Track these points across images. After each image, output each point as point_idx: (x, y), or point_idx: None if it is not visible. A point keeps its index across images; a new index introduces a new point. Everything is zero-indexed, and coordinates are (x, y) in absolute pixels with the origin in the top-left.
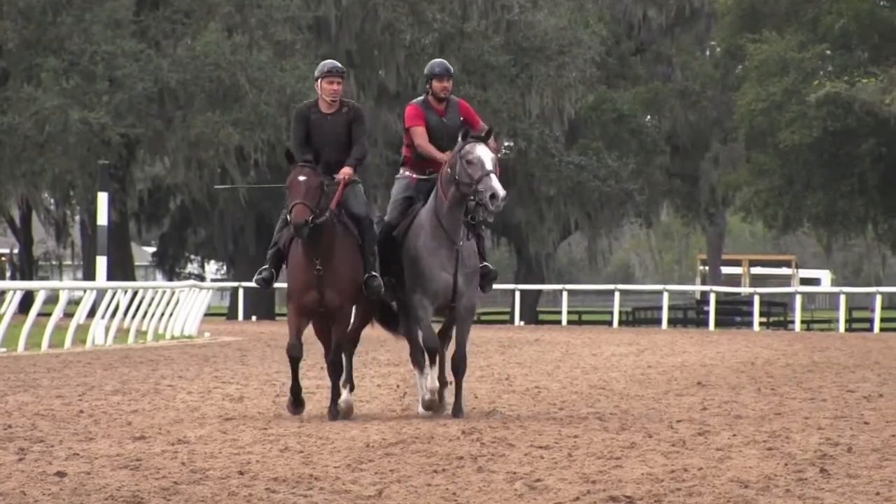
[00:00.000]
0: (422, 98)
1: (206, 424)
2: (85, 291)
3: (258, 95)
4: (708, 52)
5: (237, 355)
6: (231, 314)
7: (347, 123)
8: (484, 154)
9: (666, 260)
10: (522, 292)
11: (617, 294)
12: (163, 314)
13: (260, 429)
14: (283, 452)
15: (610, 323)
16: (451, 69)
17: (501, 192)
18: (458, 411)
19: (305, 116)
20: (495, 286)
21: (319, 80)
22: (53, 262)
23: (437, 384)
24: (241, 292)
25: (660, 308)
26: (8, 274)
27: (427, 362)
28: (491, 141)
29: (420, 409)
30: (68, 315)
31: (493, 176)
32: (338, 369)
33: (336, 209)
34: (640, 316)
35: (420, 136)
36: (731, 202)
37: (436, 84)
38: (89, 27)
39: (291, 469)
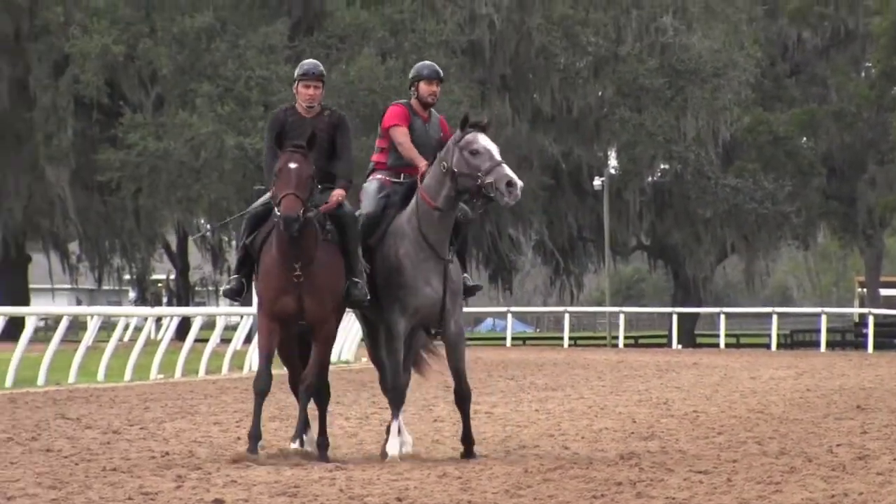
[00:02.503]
0: (406, 101)
1: (363, 450)
2: (241, 317)
3: None
4: (863, 74)
5: None
6: None
7: (329, 128)
8: (489, 143)
9: (824, 282)
10: (679, 315)
11: (774, 317)
12: None
13: (418, 455)
14: (441, 478)
15: (768, 346)
16: (441, 73)
17: (519, 180)
18: (469, 452)
19: (280, 120)
20: (651, 309)
21: (296, 83)
22: (210, 288)
23: (397, 445)
24: None
25: (818, 331)
26: (165, 300)
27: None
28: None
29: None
30: (225, 341)
31: (504, 165)
32: (324, 394)
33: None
34: (798, 339)
35: (403, 135)
36: (888, 223)
37: (423, 87)
38: (244, 53)
39: (449, 495)
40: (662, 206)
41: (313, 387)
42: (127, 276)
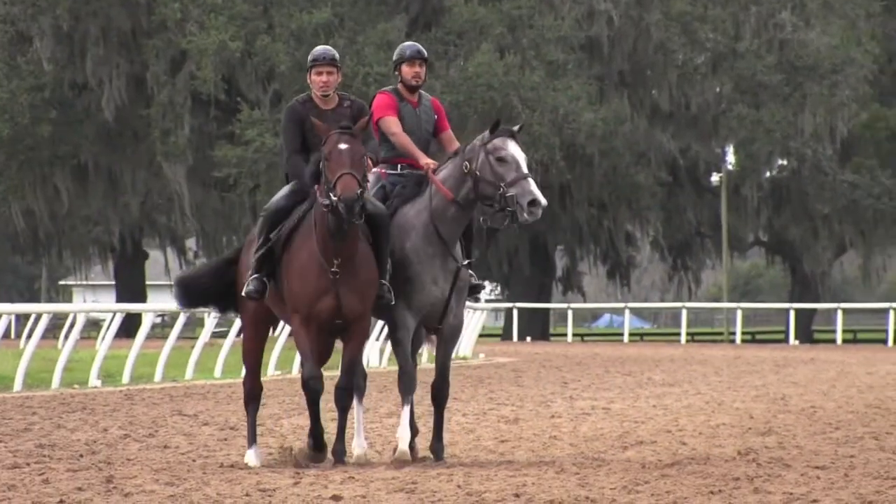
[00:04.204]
0: (391, 87)
1: (481, 446)
2: None
3: (531, 116)
4: None
5: (512, 376)
6: (506, 335)
7: (352, 120)
8: (518, 153)
9: None
10: (797, 311)
11: (892, 312)
12: None
13: (535, 450)
14: (559, 474)
15: (885, 341)
16: (426, 53)
17: (543, 199)
18: (438, 451)
19: (299, 115)
20: (769, 305)
21: (309, 71)
22: None
23: (408, 433)
24: (515, 313)
25: None
26: None
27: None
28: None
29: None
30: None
31: (531, 180)
32: (348, 396)
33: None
34: None
35: (395, 124)
36: None
37: (405, 69)
38: (361, 49)
39: (567, 491)
40: (780, 202)
41: (343, 388)
42: None
